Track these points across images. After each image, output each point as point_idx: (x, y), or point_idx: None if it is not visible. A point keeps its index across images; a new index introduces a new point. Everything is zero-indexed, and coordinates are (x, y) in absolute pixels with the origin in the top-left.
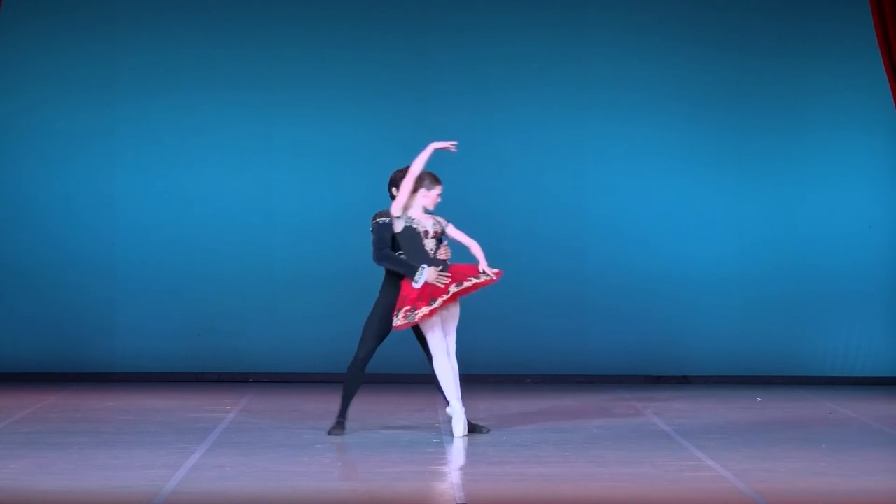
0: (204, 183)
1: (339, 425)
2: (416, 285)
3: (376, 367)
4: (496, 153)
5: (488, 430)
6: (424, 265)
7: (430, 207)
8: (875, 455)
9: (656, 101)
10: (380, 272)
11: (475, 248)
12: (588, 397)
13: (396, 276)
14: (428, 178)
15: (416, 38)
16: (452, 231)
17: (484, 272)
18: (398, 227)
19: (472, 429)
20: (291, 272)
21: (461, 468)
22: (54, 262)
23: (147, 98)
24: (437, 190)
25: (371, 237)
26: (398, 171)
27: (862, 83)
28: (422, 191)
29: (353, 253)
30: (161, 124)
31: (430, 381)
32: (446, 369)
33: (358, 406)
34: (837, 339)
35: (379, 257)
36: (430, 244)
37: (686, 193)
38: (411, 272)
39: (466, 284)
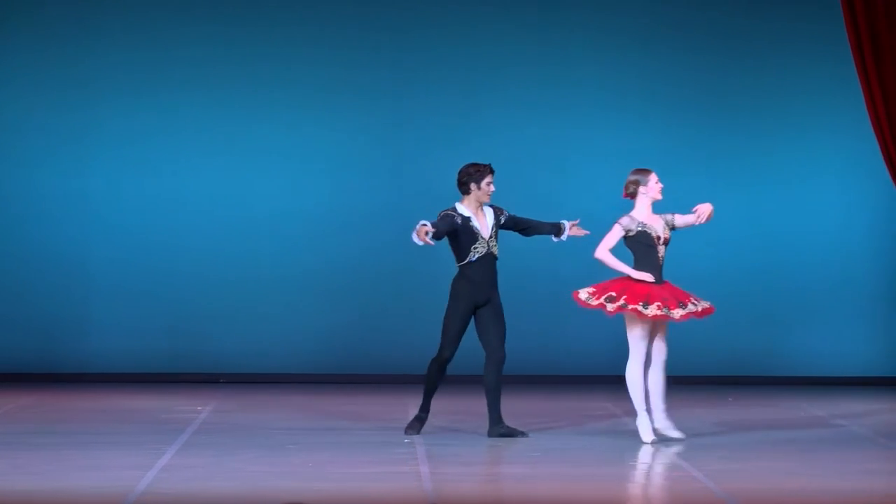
0: (178, 183)
1: (419, 422)
2: (416, 228)
3: (350, 368)
4: (472, 154)
5: (526, 434)
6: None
7: (659, 197)
8: (847, 456)
9: (630, 102)
10: (351, 274)
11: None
12: (561, 397)
13: (469, 274)
14: (637, 174)
15: (393, 38)
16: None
17: (700, 302)
18: (633, 231)
19: (510, 433)
20: (264, 273)
21: (432, 468)
22: (29, 262)
23: (122, 98)
24: (654, 178)
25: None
26: (470, 165)
27: (834, 84)
28: (642, 188)
29: (326, 254)
30: (136, 124)
31: (401, 381)
32: (639, 379)
33: (330, 406)
34: (810, 339)
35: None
36: (661, 250)
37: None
38: (437, 237)
39: (692, 309)
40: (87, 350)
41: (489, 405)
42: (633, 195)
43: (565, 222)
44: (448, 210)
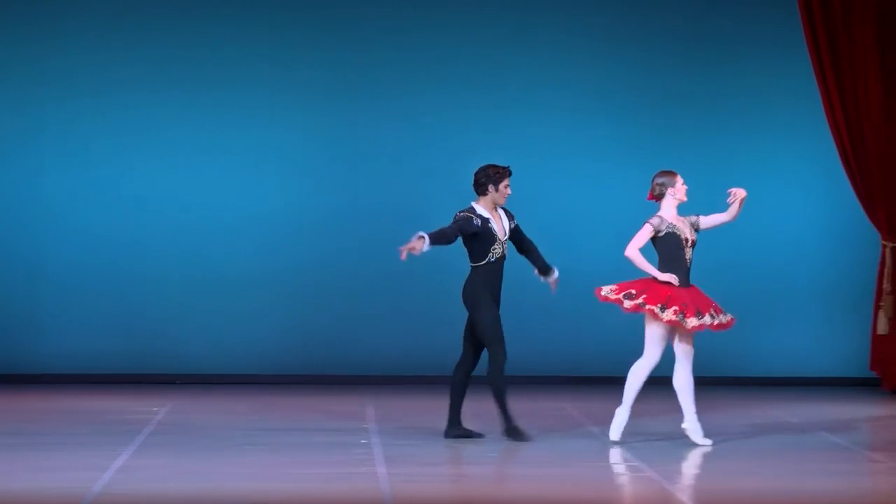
0: (133, 183)
1: (515, 430)
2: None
3: (307, 369)
4: (426, 155)
5: (482, 435)
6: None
7: (685, 199)
8: (806, 456)
9: (584, 103)
10: (309, 274)
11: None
12: (519, 398)
13: (485, 275)
14: (665, 176)
15: (349, 38)
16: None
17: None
18: (662, 231)
19: (466, 434)
20: (220, 273)
21: (389, 469)
22: None
23: (76, 98)
24: (681, 180)
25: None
26: (489, 167)
27: (792, 86)
28: (669, 190)
29: (284, 254)
30: (90, 124)
31: (359, 382)
32: (641, 378)
33: (287, 406)
34: (768, 340)
35: (452, 231)
36: (689, 252)
37: (617, 195)
38: (441, 243)
39: (721, 320)
40: (43, 351)
41: (452, 405)
42: (660, 197)
43: (555, 271)
44: (466, 212)
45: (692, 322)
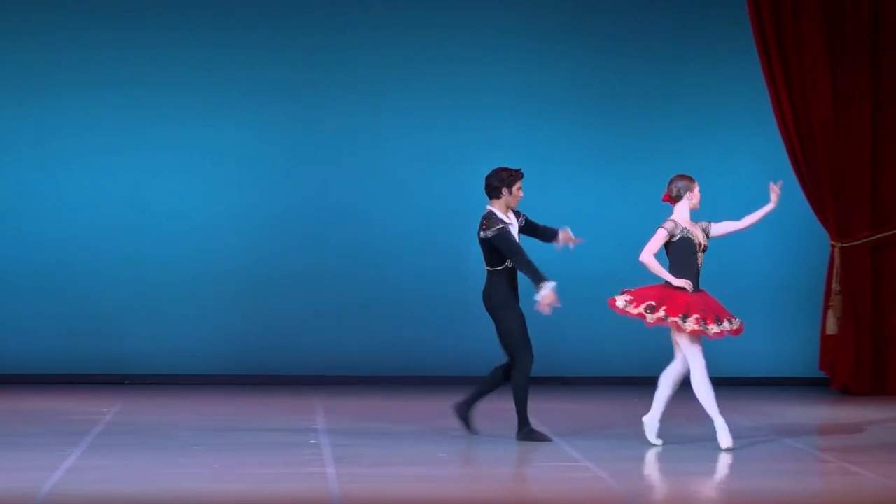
0: (82, 183)
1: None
2: (536, 297)
3: (256, 369)
4: (382, 155)
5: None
6: (553, 282)
7: (697, 207)
8: (755, 456)
9: (537, 104)
10: (256, 275)
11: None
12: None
13: (506, 277)
14: (685, 180)
15: (303, 38)
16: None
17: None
18: (676, 236)
19: (532, 437)
20: (169, 273)
21: (338, 469)
22: None
23: (22, 99)
24: (697, 187)
25: (494, 241)
26: (503, 170)
27: (743, 85)
28: (687, 194)
29: (230, 254)
30: (38, 125)
31: (307, 382)
32: (705, 385)
33: (236, 407)
34: (719, 340)
35: (520, 262)
36: (700, 258)
37: (569, 196)
38: (537, 282)
39: (726, 327)
40: None
41: (520, 408)
42: (678, 199)
43: (560, 232)
44: (495, 220)
45: (714, 329)
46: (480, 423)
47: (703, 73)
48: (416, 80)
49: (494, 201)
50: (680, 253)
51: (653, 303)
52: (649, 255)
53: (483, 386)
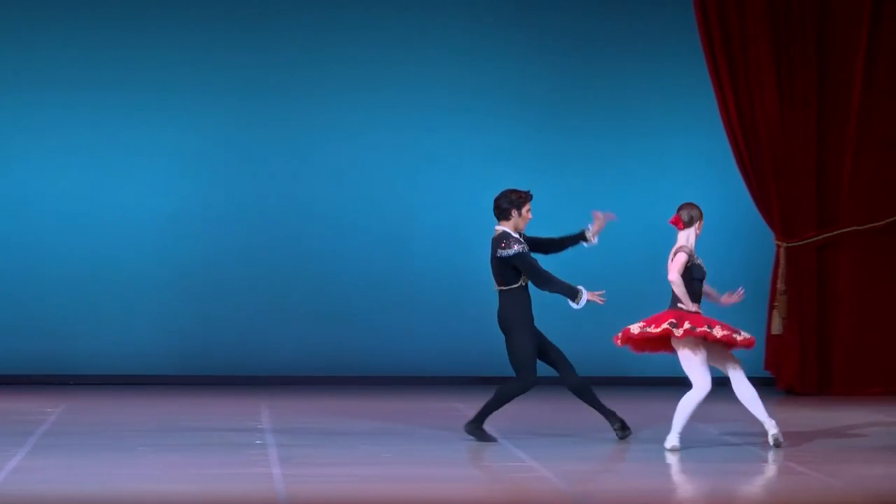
0: (29, 182)
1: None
2: (577, 306)
3: (202, 370)
4: (331, 155)
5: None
6: (582, 287)
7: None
8: (700, 455)
9: (486, 104)
10: (202, 275)
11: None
12: (413, 398)
13: (525, 296)
14: (697, 210)
15: (251, 38)
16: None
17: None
18: (690, 262)
19: (476, 434)
20: (114, 273)
21: (284, 470)
22: None
23: None
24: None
25: (513, 260)
26: (512, 192)
27: (691, 86)
28: (697, 223)
29: (176, 254)
30: None
31: (253, 383)
32: (690, 404)
33: (182, 407)
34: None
35: (543, 282)
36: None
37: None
38: (572, 294)
39: (738, 338)
40: None
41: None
42: (688, 225)
43: (588, 227)
44: (513, 239)
45: (738, 337)
46: (428, 422)
47: (651, 74)
48: (361, 80)
49: (503, 223)
50: (690, 279)
51: (674, 320)
52: (678, 276)
53: (593, 404)
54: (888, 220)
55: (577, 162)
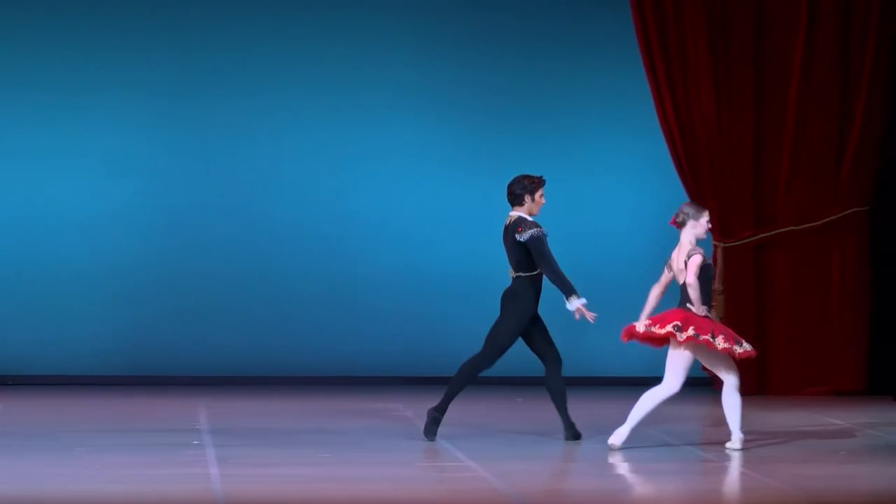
0: None
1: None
2: (569, 307)
3: (139, 370)
4: (269, 155)
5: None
6: (583, 300)
7: (703, 237)
8: (637, 455)
9: (426, 104)
10: (140, 274)
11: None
12: (351, 398)
13: (536, 285)
14: (692, 208)
15: (189, 38)
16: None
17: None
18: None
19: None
20: (52, 273)
21: (222, 470)
22: None
23: None
24: (707, 217)
25: (528, 243)
26: (525, 177)
27: (629, 85)
28: (690, 221)
29: (115, 254)
30: None
31: (191, 383)
32: (653, 401)
33: (119, 407)
34: (604, 341)
35: (550, 270)
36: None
37: (455, 197)
38: (569, 293)
39: (738, 350)
40: None
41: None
42: (682, 225)
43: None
44: (530, 223)
45: (738, 349)
46: (368, 423)
47: (590, 74)
48: (304, 80)
49: (517, 208)
50: (703, 280)
51: (679, 323)
52: (695, 278)
53: (558, 403)
54: (825, 220)
55: (518, 163)
